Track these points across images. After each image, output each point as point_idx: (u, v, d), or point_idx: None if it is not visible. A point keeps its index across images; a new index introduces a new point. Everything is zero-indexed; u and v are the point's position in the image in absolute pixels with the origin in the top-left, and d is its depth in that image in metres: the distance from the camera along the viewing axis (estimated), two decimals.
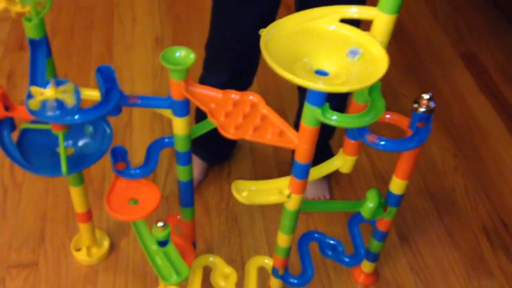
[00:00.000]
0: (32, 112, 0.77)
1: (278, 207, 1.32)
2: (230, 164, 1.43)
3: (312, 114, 0.75)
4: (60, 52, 1.74)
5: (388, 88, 1.67)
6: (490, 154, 1.50)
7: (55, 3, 1.93)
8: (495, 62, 1.81)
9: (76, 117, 0.77)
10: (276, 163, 1.44)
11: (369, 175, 1.41)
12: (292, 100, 1.51)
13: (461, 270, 1.24)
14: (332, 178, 1.40)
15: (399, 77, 1.73)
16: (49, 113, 0.77)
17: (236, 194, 0.86)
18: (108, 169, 1.39)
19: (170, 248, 0.93)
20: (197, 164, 1.35)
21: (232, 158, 1.44)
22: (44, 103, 0.77)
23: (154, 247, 0.93)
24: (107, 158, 1.39)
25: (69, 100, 0.75)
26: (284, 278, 1.06)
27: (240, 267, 1.19)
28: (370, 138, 0.84)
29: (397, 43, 1.86)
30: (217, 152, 1.38)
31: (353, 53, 0.70)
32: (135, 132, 1.49)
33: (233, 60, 1.16)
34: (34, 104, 0.76)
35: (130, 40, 1.81)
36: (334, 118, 0.74)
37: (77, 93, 0.78)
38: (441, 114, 1.61)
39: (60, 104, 0.76)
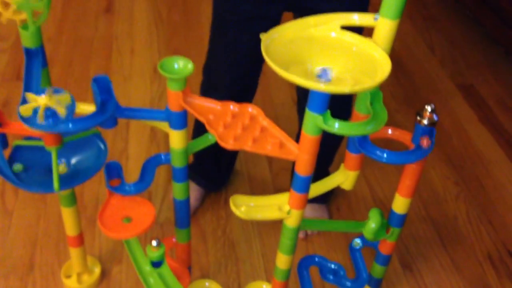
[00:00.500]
0: (23, 119, 0.75)
1: (276, 234, 1.29)
2: (227, 191, 1.40)
3: (313, 122, 0.73)
4: (57, 82, 1.73)
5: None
6: (492, 182, 1.48)
7: (55, 34, 1.94)
8: (493, 93, 1.82)
9: (70, 125, 0.75)
10: (275, 190, 1.41)
11: (368, 201, 1.38)
12: (286, 118, 1.50)
13: None
14: (332, 204, 1.37)
15: (396, 106, 1.72)
16: (40, 121, 0.74)
17: (234, 209, 0.83)
18: (102, 196, 1.35)
19: (165, 269, 0.89)
20: (194, 190, 1.31)
21: (229, 184, 1.41)
22: (35, 111, 0.75)
23: (147, 267, 0.89)
24: (101, 185, 1.38)
25: (61, 110, 0.73)
26: None
27: None
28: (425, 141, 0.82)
29: (395, 74, 1.86)
30: (214, 178, 1.35)
31: (324, 75, 0.68)
32: (131, 156, 1.47)
33: (232, 83, 1.15)
34: (25, 110, 0.74)
35: (128, 70, 1.81)
36: (336, 126, 0.72)
37: (72, 102, 0.76)
38: (441, 143, 1.59)
39: (51, 113, 0.74)
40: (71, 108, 0.76)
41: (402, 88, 1.82)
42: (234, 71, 1.13)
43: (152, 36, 1.99)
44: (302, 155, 0.78)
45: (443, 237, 1.33)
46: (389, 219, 0.98)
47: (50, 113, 0.74)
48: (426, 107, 0.82)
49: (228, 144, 0.78)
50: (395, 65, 1.93)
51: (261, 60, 1.03)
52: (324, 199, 1.34)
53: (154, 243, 0.87)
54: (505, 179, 1.49)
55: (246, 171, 1.46)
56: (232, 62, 1.12)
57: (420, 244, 1.30)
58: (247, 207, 0.84)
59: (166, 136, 1.47)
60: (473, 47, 2.04)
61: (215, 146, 1.06)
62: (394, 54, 1.97)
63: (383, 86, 0.73)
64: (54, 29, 1.97)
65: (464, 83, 1.86)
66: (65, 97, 0.77)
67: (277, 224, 1.32)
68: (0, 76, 1.74)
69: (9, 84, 1.71)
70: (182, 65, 0.81)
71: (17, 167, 0.92)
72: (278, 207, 0.86)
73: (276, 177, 1.45)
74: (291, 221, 0.87)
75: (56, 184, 0.88)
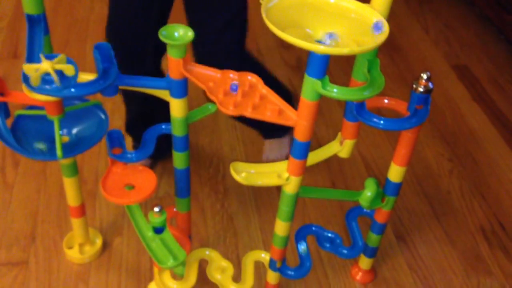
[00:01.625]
0: (33, 88, 0.76)
1: (273, 209, 1.32)
2: (225, 167, 1.42)
3: (312, 87, 0.75)
4: None
5: (380, 95, 1.68)
6: (484, 158, 1.51)
7: (50, 17, 1.94)
8: (486, 73, 1.84)
9: (73, 90, 0.76)
10: None
11: (364, 177, 1.40)
12: None
13: (460, 269, 1.22)
14: (327, 180, 1.39)
15: (392, 85, 1.74)
16: (47, 87, 0.76)
17: (235, 175, 0.85)
18: (101, 170, 1.37)
19: (167, 234, 0.91)
20: None
21: (225, 160, 1.43)
22: (43, 78, 0.76)
23: (150, 233, 0.91)
24: (100, 160, 1.40)
25: (69, 70, 0.74)
26: (281, 270, 1.03)
27: (236, 265, 1.16)
28: None
29: (390, 56, 1.88)
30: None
31: (377, 27, 0.70)
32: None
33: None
34: (34, 79, 0.75)
35: None
36: (334, 91, 0.74)
37: (72, 63, 0.77)
38: (435, 121, 1.62)
39: (60, 76, 0.75)
40: (76, 69, 0.77)
41: (397, 68, 1.84)
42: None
43: None
44: (301, 121, 0.80)
45: (436, 210, 1.35)
46: (384, 188, 1.00)
47: (58, 76, 0.75)
48: (422, 74, 0.84)
49: (229, 111, 0.80)
50: (390, 46, 1.96)
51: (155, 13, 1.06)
52: (283, 130, 1.37)
53: (156, 209, 0.89)
54: (497, 155, 1.52)
55: (243, 148, 1.48)
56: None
57: (414, 217, 1.33)
58: (247, 173, 0.86)
59: None
60: (467, 28, 2.07)
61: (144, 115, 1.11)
62: (389, 35, 2.00)
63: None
64: (49, 10, 1.97)
65: (458, 63, 1.88)
66: (62, 58, 0.78)
67: (274, 200, 1.34)
68: None
69: (6, 62, 1.71)
70: (183, 33, 0.82)
71: (41, 145, 0.94)
72: (278, 174, 0.88)
73: None
74: (290, 188, 0.89)
75: (59, 151, 0.89)
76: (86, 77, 0.89)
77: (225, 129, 1.54)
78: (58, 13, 1.97)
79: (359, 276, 1.17)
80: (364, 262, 1.15)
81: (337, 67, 1.77)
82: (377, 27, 0.70)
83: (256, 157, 1.45)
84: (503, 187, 1.43)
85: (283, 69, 1.78)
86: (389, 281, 1.19)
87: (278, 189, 1.36)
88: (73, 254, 1.15)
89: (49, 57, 0.75)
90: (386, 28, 0.70)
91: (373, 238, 1.08)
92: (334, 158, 1.44)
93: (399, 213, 1.33)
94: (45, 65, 0.74)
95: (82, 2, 2.05)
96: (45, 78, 0.75)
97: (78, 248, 1.15)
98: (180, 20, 0.86)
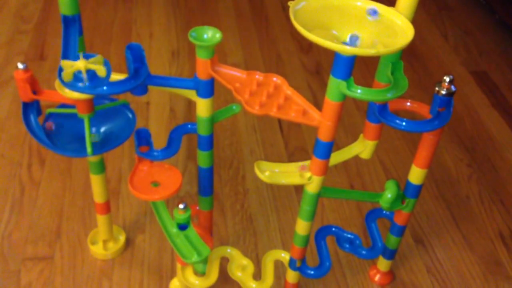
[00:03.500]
0: (65, 84, 0.79)
1: (292, 210, 1.33)
2: (245, 168, 1.44)
3: (337, 88, 0.77)
4: None
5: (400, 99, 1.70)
6: (504, 165, 1.51)
7: None
8: (505, 79, 1.84)
9: (105, 88, 0.79)
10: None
11: (383, 182, 1.42)
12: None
13: (478, 273, 1.22)
14: (346, 184, 1.41)
15: (411, 92, 1.75)
16: (80, 84, 0.79)
17: (258, 173, 0.87)
18: (124, 170, 1.40)
19: (191, 231, 0.93)
20: None
21: (245, 162, 1.45)
22: (76, 75, 0.79)
23: (174, 230, 0.93)
24: (123, 160, 1.43)
25: (101, 71, 0.77)
26: (301, 269, 1.05)
27: (255, 264, 1.18)
28: None
29: (409, 62, 1.90)
30: None
31: (372, 12, 0.72)
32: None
33: None
34: (66, 75, 0.78)
35: (147, 53, 1.86)
36: (359, 92, 0.76)
37: (107, 64, 0.80)
38: (454, 127, 1.62)
39: (92, 75, 0.78)
40: (108, 69, 0.80)
41: (416, 74, 1.85)
42: None
43: (170, 22, 2.04)
44: (325, 121, 0.82)
45: (455, 215, 1.36)
46: (404, 190, 1.02)
47: (89, 75, 0.78)
48: (444, 77, 0.86)
49: (255, 110, 0.82)
50: (410, 53, 1.97)
51: None
52: None
53: (181, 206, 0.91)
54: None
55: (263, 150, 1.50)
56: None
57: (433, 221, 1.34)
58: (271, 172, 0.88)
59: (185, 117, 1.53)
60: (486, 35, 2.07)
61: None
62: (409, 44, 2.01)
63: None
64: None
65: (477, 69, 1.89)
66: (99, 59, 0.81)
67: (292, 201, 1.36)
68: (24, 56, 1.79)
69: (33, 63, 1.76)
70: (211, 35, 0.85)
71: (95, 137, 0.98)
72: (300, 173, 0.90)
73: (292, 156, 1.49)
74: (312, 187, 0.91)
75: (89, 148, 0.92)
76: (115, 76, 0.92)
77: (245, 131, 1.56)
78: (83, 17, 2.00)
79: (377, 277, 1.18)
80: (383, 264, 1.16)
81: (356, 71, 1.79)
82: (372, 11, 0.73)
83: (275, 160, 1.47)
84: None
85: (302, 74, 1.80)
86: (407, 283, 1.20)
87: (297, 191, 1.38)
88: (97, 250, 1.18)
89: (87, 56, 0.78)
90: (380, 11, 0.73)
91: (392, 240, 1.10)
92: (353, 162, 1.46)
93: (417, 217, 1.34)
94: (80, 63, 0.77)
95: (106, 6, 2.10)
96: (79, 76, 0.78)
97: (102, 244, 1.18)
98: (202, 24, 0.89)
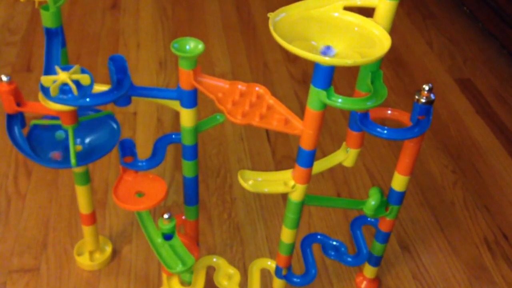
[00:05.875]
0: (48, 96, 0.79)
1: (279, 219, 1.34)
2: (232, 177, 1.45)
3: (317, 97, 0.78)
4: None
5: (385, 107, 1.71)
6: (488, 171, 1.53)
7: None
8: (489, 86, 1.87)
9: (88, 99, 0.80)
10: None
11: (369, 188, 1.43)
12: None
13: (464, 279, 1.24)
14: (333, 191, 1.42)
15: (396, 98, 1.77)
16: (64, 97, 0.79)
17: (242, 182, 0.87)
18: (111, 181, 1.40)
19: (176, 241, 0.94)
20: None
21: (232, 171, 1.46)
22: (61, 88, 0.79)
23: (159, 240, 0.94)
24: (110, 171, 1.43)
25: (85, 80, 0.77)
26: (287, 278, 1.06)
27: (242, 273, 1.19)
28: None
29: (395, 70, 1.92)
30: None
31: (327, 51, 0.74)
32: (138, 145, 1.52)
33: None
34: (53, 90, 0.79)
35: (135, 64, 1.86)
36: (339, 101, 0.77)
37: (87, 73, 0.80)
38: (439, 134, 1.64)
39: (77, 85, 0.79)
40: (91, 78, 0.80)
41: (401, 82, 1.87)
42: None
43: (158, 32, 2.05)
44: (307, 130, 0.83)
45: (440, 221, 1.37)
46: (388, 197, 1.03)
47: (69, 88, 0.79)
48: (423, 86, 0.87)
49: (237, 120, 0.83)
50: (395, 61, 1.99)
51: None
52: None
53: (166, 216, 0.92)
54: (500, 167, 1.54)
55: (250, 159, 1.51)
56: None
57: (418, 227, 1.35)
58: (254, 181, 0.89)
59: (172, 126, 1.53)
60: (470, 43, 2.10)
61: None
62: (394, 50, 2.03)
63: (384, 81, 0.78)
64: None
65: (462, 77, 1.91)
66: (77, 69, 0.81)
67: (280, 210, 1.37)
68: (11, 68, 1.79)
69: (20, 75, 1.76)
70: (193, 46, 0.86)
71: (55, 154, 0.98)
72: (284, 182, 0.91)
73: (279, 164, 1.50)
74: (296, 195, 0.91)
75: (73, 159, 0.92)
76: (100, 88, 0.93)
77: (232, 140, 1.57)
78: (70, 27, 2.02)
79: (363, 284, 1.19)
80: (369, 271, 1.17)
81: (342, 80, 1.80)
82: (325, 52, 0.74)
83: (262, 168, 1.48)
84: (506, 199, 1.44)
85: (289, 83, 1.81)
86: None
87: (284, 199, 1.39)
88: (84, 261, 1.18)
89: (65, 68, 0.78)
90: (334, 52, 0.74)
91: (378, 247, 1.11)
92: (339, 169, 1.48)
93: (403, 223, 1.36)
94: (63, 76, 0.78)
95: (93, 16, 2.10)
96: (62, 88, 0.79)
97: (89, 255, 1.18)
98: (190, 34, 0.90)
